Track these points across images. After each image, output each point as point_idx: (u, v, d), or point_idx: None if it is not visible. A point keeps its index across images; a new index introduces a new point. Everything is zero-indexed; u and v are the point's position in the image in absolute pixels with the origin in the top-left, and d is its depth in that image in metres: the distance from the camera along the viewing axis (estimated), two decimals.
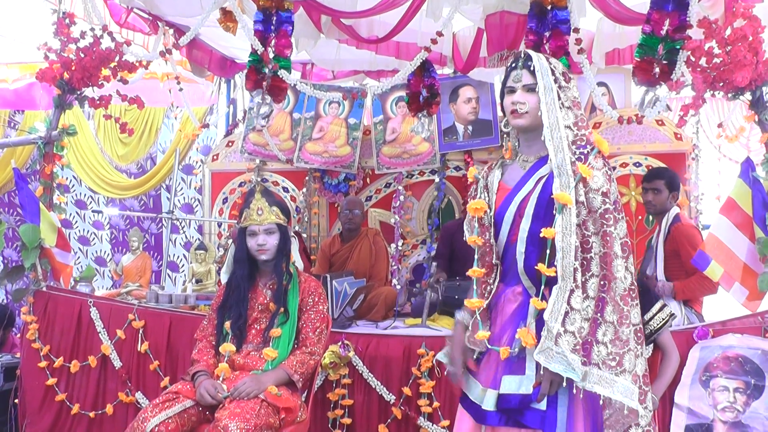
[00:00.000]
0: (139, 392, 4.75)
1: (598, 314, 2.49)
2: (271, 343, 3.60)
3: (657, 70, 4.11)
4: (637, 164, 6.29)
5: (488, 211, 2.79)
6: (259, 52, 4.43)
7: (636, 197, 6.21)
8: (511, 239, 2.71)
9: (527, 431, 2.55)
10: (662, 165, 5.67)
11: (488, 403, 2.60)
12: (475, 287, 2.79)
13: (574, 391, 2.48)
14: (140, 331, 4.81)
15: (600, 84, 6.43)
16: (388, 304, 5.29)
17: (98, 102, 5.28)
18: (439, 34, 4.52)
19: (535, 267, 2.58)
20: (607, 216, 2.53)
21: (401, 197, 6.87)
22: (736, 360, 3.87)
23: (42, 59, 5.17)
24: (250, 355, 3.64)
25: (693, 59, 4.09)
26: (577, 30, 4.30)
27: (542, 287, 2.58)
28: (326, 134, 7.00)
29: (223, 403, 3.35)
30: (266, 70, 4.46)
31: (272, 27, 4.45)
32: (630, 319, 2.53)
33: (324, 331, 3.74)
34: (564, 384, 2.46)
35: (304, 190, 7.06)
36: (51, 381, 4.85)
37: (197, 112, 7.75)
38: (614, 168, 6.28)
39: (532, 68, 2.66)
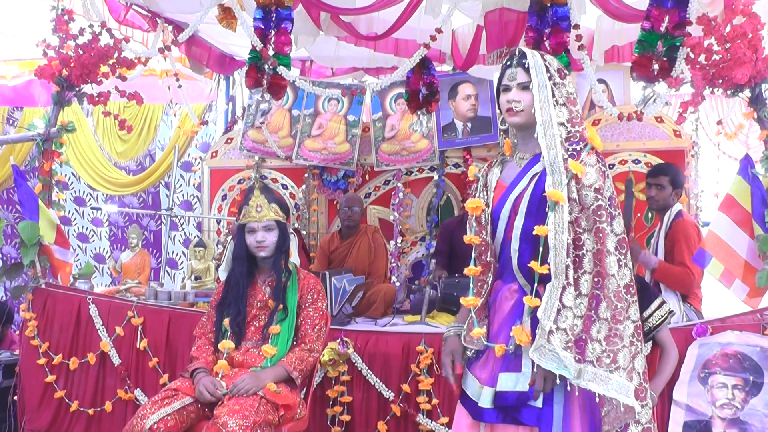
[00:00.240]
0: (138, 389, 4.75)
1: (592, 311, 2.48)
2: (270, 340, 3.60)
3: (656, 66, 4.10)
4: (636, 161, 6.29)
5: (486, 209, 2.80)
6: (258, 49, 4.43)
7: (635, 194, 6.20)
8: (507, 237, 2.72)
9: (524, 428, 2.55)
10: (667, 162, 5.66)
11: (485, 401, 2.61)
12: (471, 285, 2.81)
13: (569, 388, 2.48)
14: (139, 328, 4.81)
15: (599, 81, 6.41)
16: (387, 301, 5.29)
17: (97, 99, 5.28)
18: (438, 30, 4.52)
19: (528, 265, 2.59)
20: (600, 212, 2.52)
21: (400, 194, 6.87)
22: (734, 357, 3.87)
23: (41, 56, 5.17)
24: (249, 352, 3.64)
25: (692, 56, 4.09)
26: (577, 27, 4.30)
27: (535, 285, 2.59)
28: (325, 131, 7.00)
29: (222, 400, 3.35)
30: (266, 68, 4.46)
31: (272, 24, 4.45)
32: (628, 315, 2.53)
33: (323, 328, 3.74)
34: (559, 381, 2.45)
35: (303, 187, 7.06)
36: (50, 378, 4.86)
37: (196, 109, 7.75)
38: (612, 165, 6.27)
39: (526, 66, 2.66)
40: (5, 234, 8.55)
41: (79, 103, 5.44)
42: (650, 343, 3.55)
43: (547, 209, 2.55)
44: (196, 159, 8.24)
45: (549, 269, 2.50)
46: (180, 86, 6.38)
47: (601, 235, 2.51)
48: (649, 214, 6.11)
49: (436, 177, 6.84)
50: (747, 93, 4.19)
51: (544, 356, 2.42)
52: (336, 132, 6.98)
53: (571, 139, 2.61)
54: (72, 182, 8.78)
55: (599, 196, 2.54)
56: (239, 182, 7.15)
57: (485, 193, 2.85)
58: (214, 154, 7.29)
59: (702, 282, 4.85)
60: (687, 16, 4.00)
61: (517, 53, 2.71)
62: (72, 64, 5.06)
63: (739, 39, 3.99)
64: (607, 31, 5.40)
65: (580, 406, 2.53)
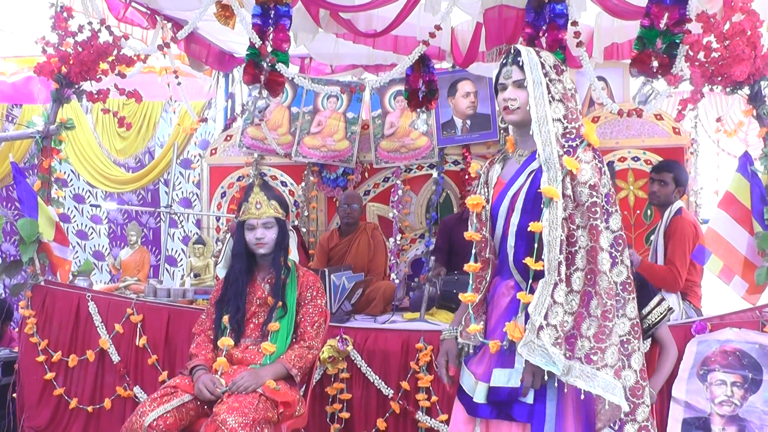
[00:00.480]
0: (137, 386, 4.76)
1: (583, 308, 2.49)
2: (269, 338, 3.61)
3: (656, 63, 4.11)
4: (636, 159, 6.29)
5: (486, 206, 2.80)
6: (257, 46, 4.43)
7: (634, 192, 6.21)
8: (505, 233, 2.73)
9: (517, 425, 2.56)
10: (672, 159, 5.65)
11: (479, 396, 2.62)
12: (470, 281, 2.81)
13: (556, 384, 2.48)
14: (138, 326, 4.81)
15: (598, 78, 6.42)
16: (386, 299, 5.29)
17: (96, 96, 5.28)
18: (438, 27, 4.51)
19: (523, 261, 2.59)
20: (594, 209, 2.52)
21: (399, 191, 6.86)
22: (733, 354, 3.88)
23: (40, 53, 5.16)
24: (248, 349, 3.64)
25: (691, 53, 4.09)
26: (575, 23, 4.29)
27: (530, 281, 2.59)
28: (324, 128, 7.00)
29: (222, 398, 3.35)
30: (264, 64, 4.45)
31: (270, 21, 4.45)
32: (624, 313, 2.54)
33: (322, 326, 3.74)
34: (547, 378, 2.46)
35: (303, 184, 7.05)
36: (49, 375, 4.86)
37: (195, 106, 7.75)
38: (612, 162, 6.27)
39: (521, 63, 2.67)
40: (4, 231, 8.53)
41: (79, 100, 5.44)
42: (649, 340, 3.55)
43: (542, 206, 2.55)
44: (195, 156, 8.24)
45: (543, 266, 2.51)
46: (179, 83, 6.38)
47: (594, 232, 2.51)
48: (648, 211, 6.11)
49: (435, 174, 6.83)
50: (746, 90, 4.19)
51: (533, 352, 2.42)
52: (335, 129, 6.98)
53: (568, 136, 2.62)
54: (71, 179, 8.78)
55: (594, 193, 2.53)
56: (238, 179, 7.14)
57: (486, 189, 2.86)
58: (213, 152, 7.29)
59: (701, 280, 4.85)
60: (686, 13, 4.00)
61: (512, 51, 2.72)
62: (71, 62, 5.05)
63: (738, 36, 3.99)
64: (607, 28, 5.40)
65: (574, 404, 2.53)
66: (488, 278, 2.85)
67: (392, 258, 6.64)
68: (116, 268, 7.32)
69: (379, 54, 6.13)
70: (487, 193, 2.85)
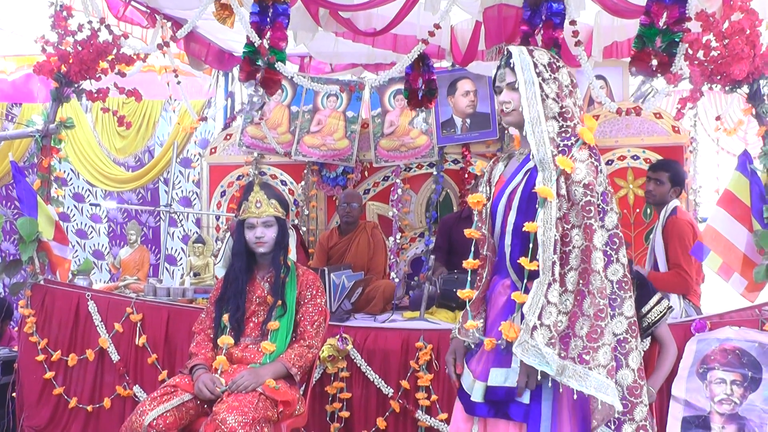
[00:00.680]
0: (136, 386, 4.76)
1: (577, 308, 2.48)
2: (269, 337, 3.61)
3: (655, 61, 4.11)
4: (635, 157, 6.29)
5: (487, 204, 2.81)
6: (256, 45, 4.42)
7: (634, 190, 6.21)
8: (503, 232, 2.74)
9: (514, 424, 2.56)
10: (669, 159, 5.66)
11: (476, 395, 2.63)
12: (470, 278, 2.82)
13: (550, 385, 2.49)
14: (138, 325, 4.82)
15: (598, 77, 6.42)
16: (386, 298, 5.29)
17: (96, 95, 5.28)
18: (437, 26, 4.51)
19: (518, 261, 2.59)
20: (588, 208, 2.52)
21: (399, 190, 6.86)
22: (733, 352, 3.88)
23: (39, 52, 5.16)
24: (248, 348, 3.64)
25: (690, 52, 4.09)
26: (573, 23, 4.29)
27: (525, 281, 2.59)
28: (324, 127, 6.99)
29: (221, 397, 3.35)
30: (260, 63, 4.45)
31: (268, 19, 4.44)
32: (621, 311, 2.54)
33: (322, 325, 3.74)
34: (540, 378, 2.47)
35: (303, 183, 7.05)
36: (48, 374, 4.86)
37: (195, 105, 7.74)
38: (611, 161, 6.27)
39: (512, 65, 2.67)
40: (4, 230, 8.54)
41: (78, 99, 5.44)
42: (649, 339, 3.55)
43: (537, 206, 2.55)
44: (195, 155, 8.23)
45: (538, 265, 2.51)
46: (179, 82, 6.38)
47: (589, 231, 2.50)
48: (648, 210, 6.11)
49: (435, 173, 6.83)
50: (745, 89, 4.20)
51: (527, 351, 2.43)
52: (335, 128, 6.97)
53: (563, 134, 2.62)
54: (71, 178, 8.77)
55: (588, 192, 2.53)
56: (238, 178, 7.14)
57: (488, 187, 2.87)
58: (213, 150, 7.28)
59: (701, 279, 4.86)
60: (686, 11, 4.00)
61: (505, 53, 2.72)
62: (71, 60, 5.05)
63: (737, 35, 3.99)
64: (606, 27, 5.40)
65: (570, 403, 2.53)
66: (486, 276, 2.86)
67: (392, 257, 6.64)
68: (116, 267, 7.31)
69: (379, 53, 6.13)
70: (489, 191, 2.85)
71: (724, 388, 3.82)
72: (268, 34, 4.44)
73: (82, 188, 8.81)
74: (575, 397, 2.46)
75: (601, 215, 2.54)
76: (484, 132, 6.68)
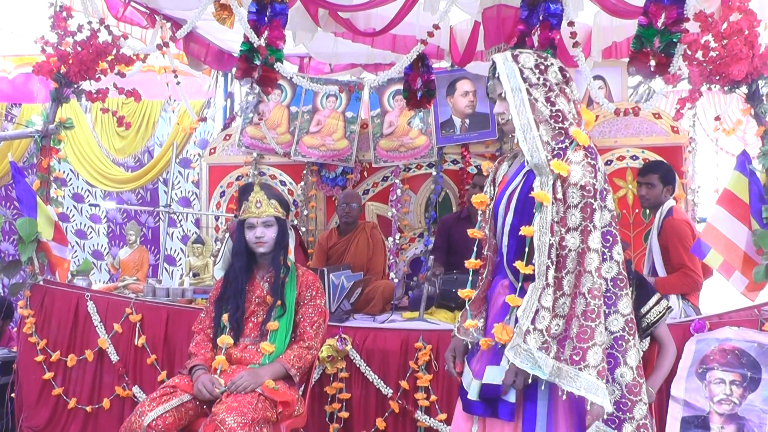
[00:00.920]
0: (136, 386, 4.76)
1: (572, 309, 2.49)
2: (268, 337, 3.61)
3: (653, 62, 4.11)
4: (634, 157, 6.29)
5: (490, 204, 2.82)
6: (255, 45, 4.42)
7: (633, 190, 6.21)
8: (502, 232, 2.74)
9: (509, 424, 2.57)
10: (658, 158, 5.67)
11: (472, 393, 2.66)
12: (471, 278, 2.82)
13: (543, 387, 2.50)
14: (137, 325, 4.82)
15: (597, 77, 6.43)
16: (385, 298, 5.30)
17: (95, 95, 5.28)
18: (436, 27, 4.51)
19: (513, 264, 2.60)
20: (586, 209, 2.52)
21: (398, 191, 6.86)
22: (732, 353, 3.88)
23: (39, 52, 5.16)
24: (247, 348, 3.64)
25: (689, 53, 4.10)
26: (572, 23, 4.30)
27: (520, 284, 2.61)
28: (324, 128, 6.99)
29: (221, 397, 3.35)
30: (257, 61, 4.45)
31: (266, 18, 4.44)
32: (617, 309, 2.53)
33: (321, 326, 3.75)
34: (531, 381, 2.48)
35: (302, 183, 7.05)
36: (48, 375, 4.86)
37: (194, 106, 7.74)
38: (610, 161, 6.28)
39: (497, 75, 2.68)
40: (3, 230, 8.56)
41: (78, 99, 5.45)
42: (648, 339, 3.56)
43: (534, 210, 2.56)
44: (194, 155, 8.23)
45: (533, 269, 2.51)
46: (178, 83, 6.38)
47: (585, 232, 2.51)
48: (647, 211, 6.11)
49: (434, 173, 6.83)
50: (744, 89, 4.20)
51: (519, 355, 2.44)
52: (334, 128, 6.97)
53: (557, 137, 2.62)
54: (70, 179, 8.77)
55: (585, 194, 2.53)
56: (237, 179, 7.14)
57: (492, 187, 2.87)
58: (212, 151, 7.28)
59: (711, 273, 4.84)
60: (684, 12, 4.00)
61: (492, 64, 2.72)
62: (70, 61, 5.05)
63: (736, 35, 3.99)
64: (605, 27, 5.40)
65: (565, 404, 2.53)
66: (488, 276, 2.87)
67: (391, 257, 6.64)
68: (115, 267, 7.32)
69: (378, 53, 6.13)
70: (492, 191, 2.86)
71: (723, 388, 3.82)
72: (266, 33, 4.43)
73: (82, 189, 8.81)
74: (564, 397, 2.47)
75: (596, 215, 2.53)
76: (483, 132, 6.68)
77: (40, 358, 4.88)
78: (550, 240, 2.49)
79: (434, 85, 5.66)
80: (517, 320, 2.52)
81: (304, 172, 7.07)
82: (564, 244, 2.51)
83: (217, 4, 4.99)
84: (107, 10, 5.40)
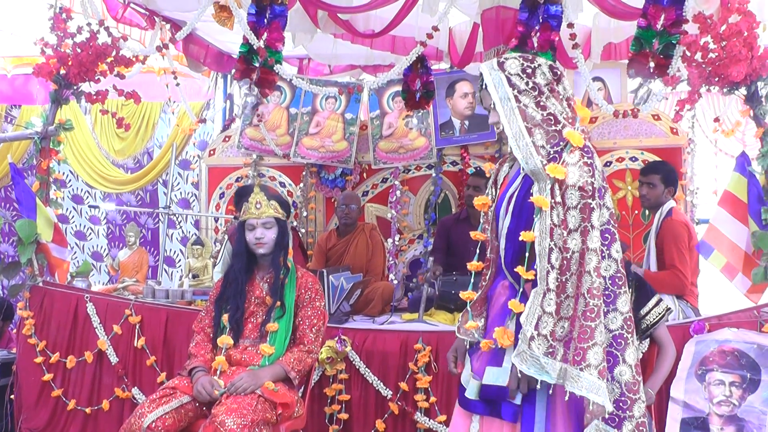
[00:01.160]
0: (135, 388, 4.76)
1: (575, 311, 2.48)
2: (267, 338, 3.61)
3: (653, 64, 4.11)
4: (633, 159, 6.29)
5: (492, 206, 2.82)
6: (255, 47, 4.42)
7: (632, 192, 6.21)
8: (501, 234, 2.73)
9: (508, 423, 2.57)
10: (660, 159, 5.67)
11: (470, 392, 2.67)
12: (473, 280, 2.82)
13: (551, 392, 2.50)
14: (137, 327, 4.82)
15: (596, 79, 6.43)
16: (384, 299, 5.30)
17: (95, 97, 5.28)
18: (435, 28, 4.51)
19: (515, 269, 2.61)
20: (585, 210, 2.51)
21: (398, 192, 6.86)
22: (731, 354, 3.88)
23: (39, 54, 5.17)
24: (246, 350, 3.64)
25: (688, 54, 4.10)
26: (571, 25, 4.30)
27: (521, 287, 2.61)
28: (323, 129, 6.99)
29: (220, 399, 3.35)
30: (256, 63, 4.45)
31: (265, 20, 4.44)
32: (616, 307, 2.53)
33: (321, 329, 3.75)
34: (539, 386, 2.48)
35: (301, 185, 7.05)
36: (47, 377, 4.86)
37: (194, 107, 7.74)
38: (610, 163, 6.28)
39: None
40: (3, 232, 8.56)
41: (77, 101, 5.44)
42: (648, 340, 3.56)
43: (533, 215, 2.56)
44: (194, 157, 8.24)
45: (535, 274, 2.52)
46: (178, 84, 6.38)
47: (584, 232, 2.50)
48: (646, 212, 6.11)
49: (433, 175, 6.83)
50: (743, 91, 4.21)
51: (526, 362, 2.44)
52: (334, 130, 6.97)
53: (551, 141, 2.61)
54: (70, 180, 8.77)
55: (584, 194, 2.52)
56: (237, 180, 7.14)
57: (494, 189, 2.87)
58: (211, 152, 7.28)
59: (697, 279, 4.85)
60: (683, 14, 4.00)
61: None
62: (70, 63, 5.05)
63: (735, 37, 4.00)
64: (604, 28, 5.41)
65: (563, 404, 2.53)
66: (489, 277, 2.87)
67: (390, 258, 6.64)
68: (115, 269, 7.32)
69: (378, 54, 6.13)
70: (494, 193, 2.86)
71: (722, 390, 3.82)
72: (265, 34, 4.44)
73: (81, 190, 8.81)
74: (567, 398, 2.47)
75: (595, 214, 2.52)
76: (482, 134, 6.68)
77: (39, 359, 4.88)
78: (549, 244, 2.49)
79: (433, 86, 5.66)
80: (518, 323, 2.52)
81: (304, 173, 7.07)
82: (567, 246, 2.50)
83: (217, 6, 5.00)
84: (107, 12, 5.40)
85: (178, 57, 6.64)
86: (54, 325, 4.94)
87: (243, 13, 4.59)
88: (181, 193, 8.40)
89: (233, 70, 7.28)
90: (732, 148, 8.68)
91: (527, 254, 2.57)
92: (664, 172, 4.86)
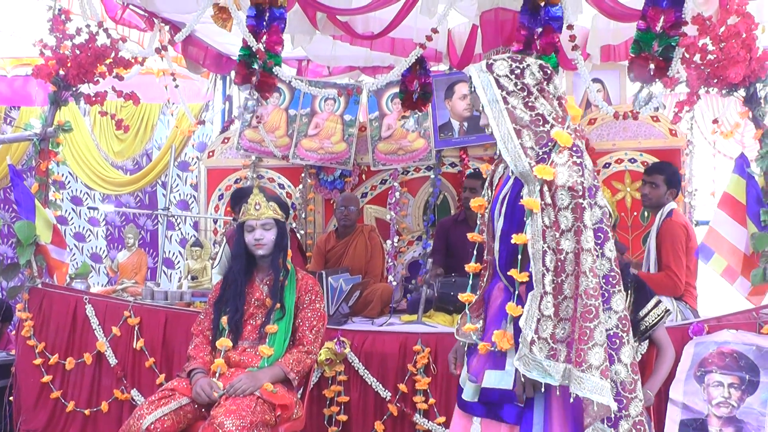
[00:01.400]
0: (134, 389, 4.76)
1: (574, 312, 2.47)
2: (267, 340, 3.61)
3: (653, 66, 4.11)
4: (632, 160, 6.30)
5: (488, 207, 2.81)
6: (254, 49, 4.43)
7: (631, 193, 6.22)
8: (496, 236, 2.73)
9: (508, 426, 2.57)
10: (664, 161, 5.66)
11: (467, 394, 2.68)
12: (471, 282, 2.82)
13: (543, 389, 2.49)
14: (136, 328, 4.81)
15: (595, 80, 6.44)
16: (383, 301, 5.30)
17: (94, 98, 5.28)
18: (434, 30, 4.51)
19: (508, 273, 2.61)
20: (576, 210, 2.50)
21: (397, 194, 6.86)
22: (730, 355, 3.88)
23: (38, 55, 5.16)
24: (246, 351, 3.64)
25: (687, 56, 4.10)
26: (571, 27, 4.30)
27: (516, 289, 2.61)
28: (322, 131, 6.99)
29: (219, 401, 3.35)
30: (256, 66, 4.45)
31: (264, 23, 4.45)
32: (610, 306, 2.52)
33: (321, 330, 3.74)
34: (543, 390, 2.48)
35: (300, 186, 7.05)
36: (46, 378, 4.85)
37: (193, 109, 7.74)
38: (609, 164, 6.28)
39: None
40: (2, 233, 8.56)
41: (76, 102, 5.43)
42: (647, 342, 3.56)
43: (524, 218, 2.56)
44: (192, 158, 8.24)
45: (529, 277, 2.52)
46: (177, 86, 6.38)
47: (577, 232, 2.49)
48: (646, 213, 6.11)
49: (432, 176, 6.83)
50: (742, 92, 4.21)
51: (528, 365, 2.44)
52: (333, 131, 6.97)
53: (540, 142, 2.60)
54: (69, 182, 8.77)
55: (574, 194, 2.50)
56: (236, 182, 7.14)
57: (489, 190, 2.87)
58: (210, 154, 7.28)
59: (695, 281, 4.86)
60: (682, 15, 4.01)
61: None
62: (69, 64, 5.05)
63: (734, 39, 4.00)
64: (603, 30, 5.41)
65: (561, 406, 2.53)
66: (487, 279, 2.88)
67: (389, 260, 6.64)
68: (113, 270, 7.32)
69: (377, 56, 6.14)
70: (490, 194, 2.86)
71: (721, 391, 3.82)
72: (265, 37, 4.44)
73: (80, 191, 8.81)
74: (572, 400, 2.45)
75: (587, 214, 2.50)
76: (481, 135, 6.65)
77: (38, 361, 4.87)
78: (543, 246, 2.48)
79: (431, 87, 5.65)
80: (516, 326, 2.52)
81: (303, 175, 7.08)
82: (561, 248, 2.48)
83: (216, 7, 5.00)
84: (105, 14, 5.40)
85: (177, 58, 6.64)
86: (53, 327, 4.93)
87: (242, 15, 4.59)
88: (180, 194, 8.40)
89: (232, 72, 7.33)
90: (731, 149, 8.69)
91: (519, 257, 2.57)
92: (668, 173, 4.86)
